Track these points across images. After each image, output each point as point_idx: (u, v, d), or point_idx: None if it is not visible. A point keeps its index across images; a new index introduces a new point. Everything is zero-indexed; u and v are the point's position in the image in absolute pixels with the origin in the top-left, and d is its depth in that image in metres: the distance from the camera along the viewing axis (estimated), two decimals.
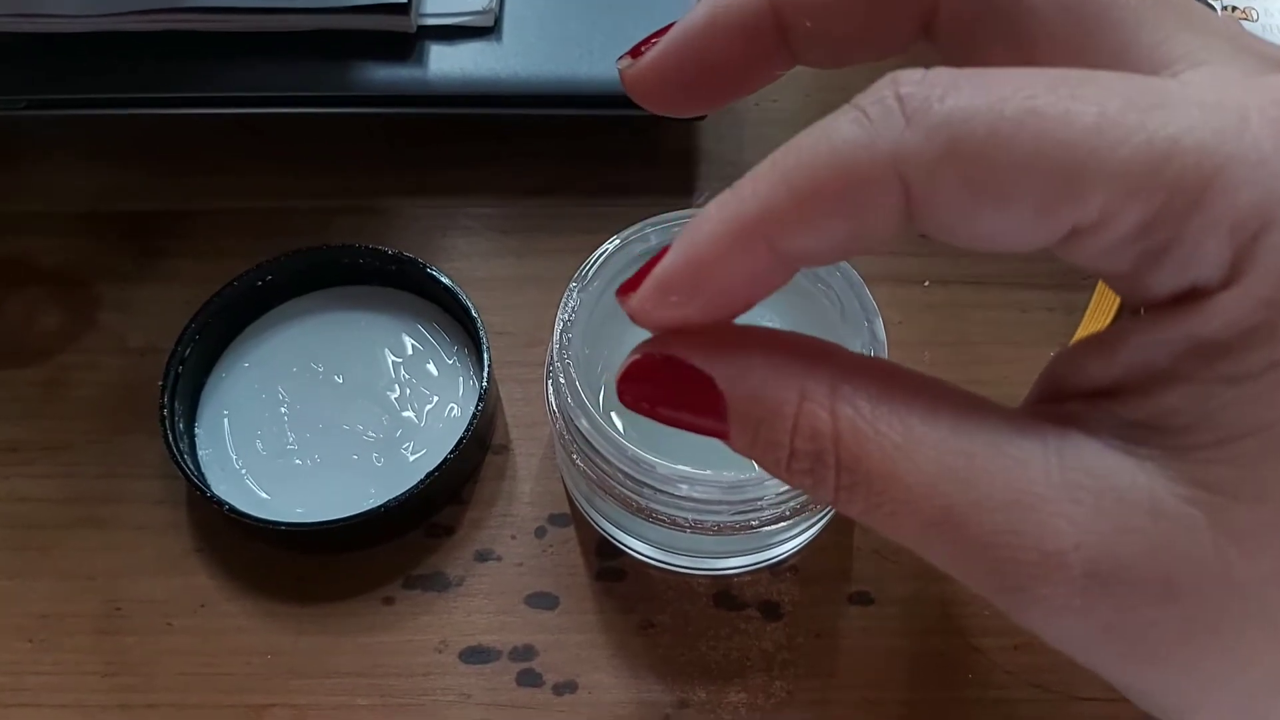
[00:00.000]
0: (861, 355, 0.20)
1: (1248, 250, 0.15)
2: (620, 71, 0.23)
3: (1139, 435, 0.17)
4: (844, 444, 0.18)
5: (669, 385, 0.19)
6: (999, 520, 0.17)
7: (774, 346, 0.19)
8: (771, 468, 0.19)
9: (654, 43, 0.22)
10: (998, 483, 0.17)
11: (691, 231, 0.18)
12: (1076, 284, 0.39)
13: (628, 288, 0.19)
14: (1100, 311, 0.38)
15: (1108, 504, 0.17)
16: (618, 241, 0.32)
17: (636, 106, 0.40)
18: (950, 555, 0.18)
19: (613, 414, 0.33)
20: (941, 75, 0.16)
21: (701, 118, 0.40)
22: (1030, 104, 0.16)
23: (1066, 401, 0.18)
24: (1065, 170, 0.15)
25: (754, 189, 0.17)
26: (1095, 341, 0.18)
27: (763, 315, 0.34)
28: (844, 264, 0.32)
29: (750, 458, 0.19)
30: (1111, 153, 0.15)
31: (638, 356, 0.19)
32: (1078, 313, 0.39)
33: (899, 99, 0.16)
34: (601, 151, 0.43)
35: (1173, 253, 0.16)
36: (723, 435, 0.19)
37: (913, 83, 0.16)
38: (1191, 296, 0.16)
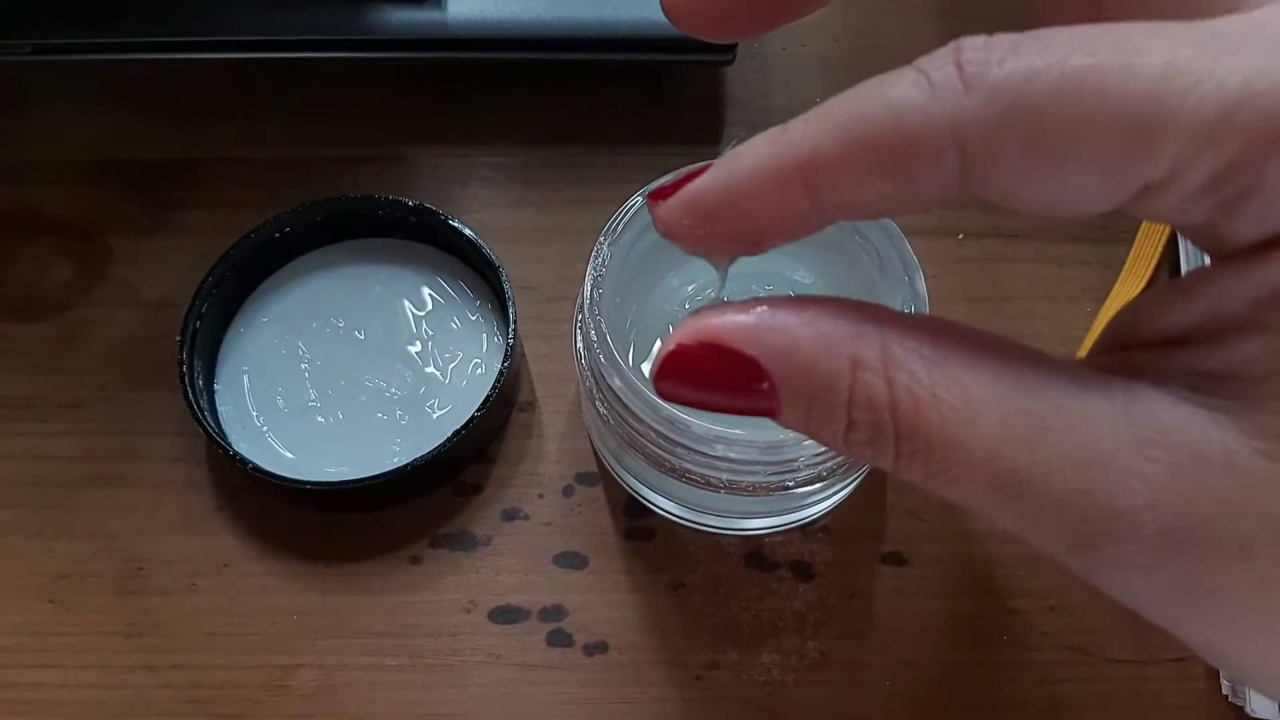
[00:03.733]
0: (910, 314, 0.19)
1: None
2: None
3: (1211, 386, 0.16)
4: (901, 412, 0.17)
5: (710, 373, 0.18)
6: (1067, 480, 0.16)
7: (817, 315, 0.17)
8: (829, 441, 0.18)
9: None
10: (1064, 442, 0.16)
11: (733, 159, 0.17)
12: (1113, 238, 0.38)
13: (659, 195, 0.18)
14: (1140, 265, 0.37)
15: (1181, 460, 0.16)
16: (640, 199, 0.31)
17: (661, 50, 0.39)
18: (1017, 517, 0.17)
19: (644, 367, 0.32)
20: (1002, 40, 0.16)
21: (731, 53, 0.39)
22: (1092, 60, 0.15)
23: (1133, 351, 0.18)
24: (1131, 124, 0.15)
25: (804, 132, 0.17)
26: (1170, 287, 0.18)
27: (798, 269, 0.33)
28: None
29: (804, 434, 0.18)
30: (1180, 102, 0.15)
31: (672, 348, 0.18)
32: (1115, 266, 0.38)
33: (959, 65, 0.16)
34: (625, 98, 0.41)
35: (1251, 201, 0.15)
36: (773, 414, 0.18)
37: (974, 49, 0.16)
38: (1275, 243, 0.16)
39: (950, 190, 0.16)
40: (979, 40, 0.16)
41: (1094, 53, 0.15)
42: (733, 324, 0.18)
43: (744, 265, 0.33)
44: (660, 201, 0.18)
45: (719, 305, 0.18)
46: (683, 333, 0.18)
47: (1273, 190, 0.15)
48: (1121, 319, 0.19)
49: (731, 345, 0.17)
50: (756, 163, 0.17)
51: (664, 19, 0.37)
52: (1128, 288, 0.37)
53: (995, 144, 0.15)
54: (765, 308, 0.17)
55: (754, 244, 0.18)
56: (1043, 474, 0.16)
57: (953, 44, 0.16)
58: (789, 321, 0.17)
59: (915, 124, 0.16)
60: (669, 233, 0.18)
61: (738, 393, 0.18)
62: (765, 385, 0.17)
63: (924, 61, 0.16)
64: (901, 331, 0.17)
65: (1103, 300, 0.37)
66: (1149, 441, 0.16)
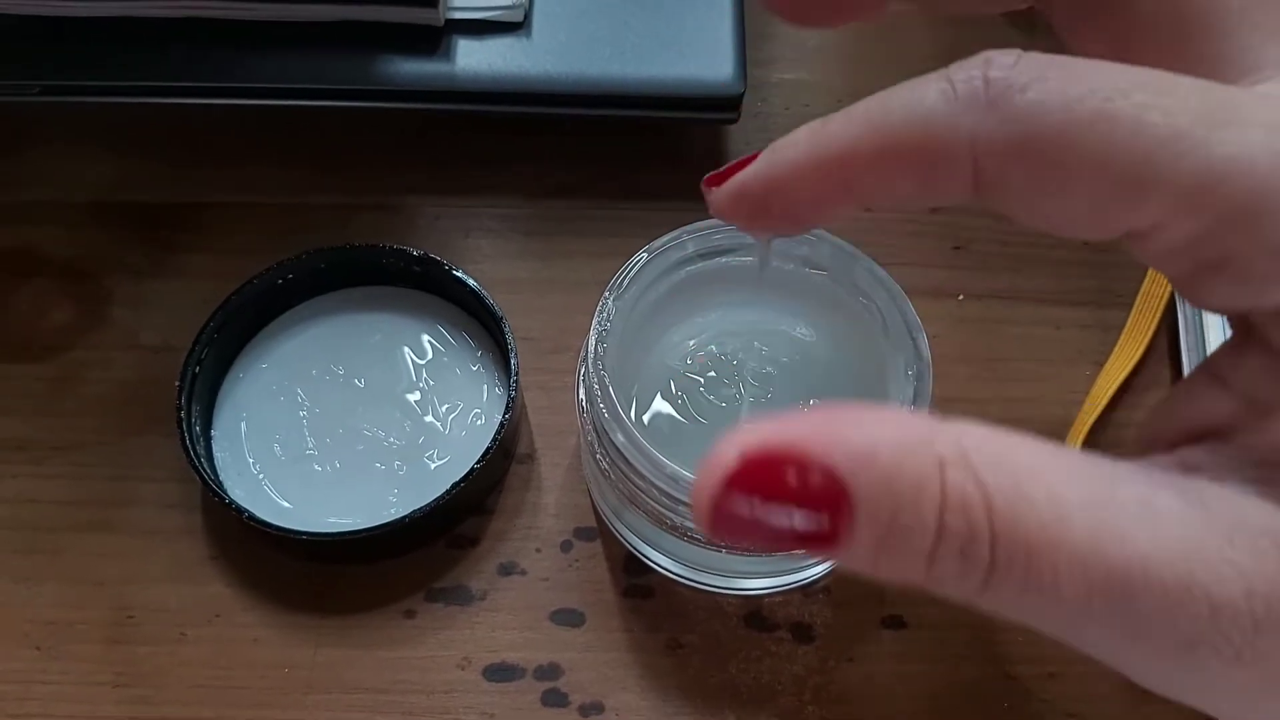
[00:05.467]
0: (960, 418, 0.17)
1: None
2: None
3: (1269, 475, 0.16)
4: (998, 513, 0.15)
5: (779, 493, 0.15)
6: (1168, 575, 0.15)
7: (886, 414, 0.16)
8: (908, 564, 0.16)
9: None
10: (1160, 536, 0.15)
11: (777, 151, 0.19)
12: (1112, 302, 0.39)
13: (714, 180, 0.20)
14: (1138, 331, 0.38)
15: (1265, 545, 0.16)
16: (645, 256, 0.31)
17: (666, 108, 0.40)
18: (1117, 623, 0.16)
19: (645, 419, 0.32)
20: (1031, 64, 0.16)
21: (735, 112, 0.39)
22: (1106, 106, 0.16)
23: (1180, 449, 0.17)
24: (1124, 177, 0.16)
25: (841, 130, 0.18)
26: (1202, 378, 0.18)
27: (798, 326, 0.33)
28: (886, 277, 0.31)
29: (871, 565, 0.16)
30: (1171, 166, 0.16)
31: (732, 464, 0.15)
32: (1113, 330, 0.38)
33: (986, 82, 0.16)
34: (628, 153, 0.42)
35: (1227, 269, 0.16)
36: (836, 542, 0.15)
37: (1004, 67, 0.16)
38: None
39: (964, 193, 0.17)
40: (1010, 57, 0.17)
41: (1110, 98, 0.16)
42: (802, 429, 0.15)
43: (745, 321, 0.33)
44: (713, 187, 0.20)
45: (762, 420, 0.16)
46: (741, 444, 0.16)
47: (1245, 262, 0.16)
48: (1160, 416, 0.19)
49: (805, 453, 0.15)
50: (795, 157, 0.18)
51: (669, 77, 0.38)
52: (1127, 352, 0.37)
53: (1006, 166, 0.16)
54: (827, 413, 0.16)
55: (794, 225, 0.20)
56: (1141, 569, 0.15)
57: (983, 57, 0.17)
58: (862, 422, 0.16)
59: (940, 133, 0.17)
60: (719, 213, 0.20)
61: (807, 515, 0.15)
62: (840, 504, 0.15)
63: (954, 71, 0.17)
64: (966, 431, 0.16)
65: (1101, 364, 0.37)
66: (1232, 531, 0.16)
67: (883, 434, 0.15)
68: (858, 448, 0.15)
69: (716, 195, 0.20)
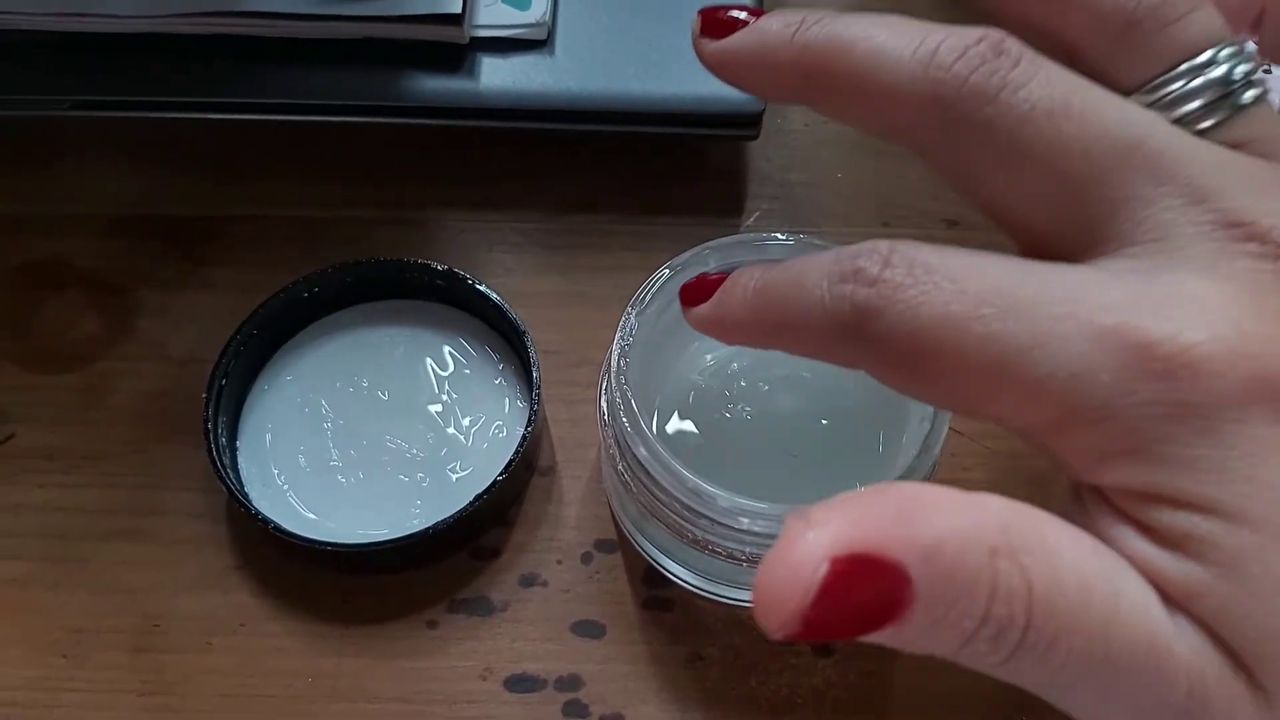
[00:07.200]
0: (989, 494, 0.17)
1: (1097, 472, 0.18)
2: None
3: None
4: (1037, 603, 0.16)
5: (860, 598, 0.15)
6: (1140, 652, 0.16)
7: (943, 499, 0.16)
8: (943, 644, 0.16)
9: None
10: (1150, 618, 0.17)
11: (716, 304, 0.22)
12: None
13: (688, 298, 0.23)
14: None
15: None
16: (668, 272, 0.31)
17: (687, 124, 0.40)
18: (1103, 691, 0.17)
19: (666, 432, 0.32)
20: (890, 280, 0.18)
21: (756, 128, 0.39)
22: (946, 334, 0.18)
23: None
24: (962, 392, 0.18)
25: (748, 300, 0.21)
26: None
27: (800, 368, 0.33)
28: None
29: (905, 643, 0.16)
30: (1001, 384, 0.18)
31: (824, 577, 0.15)
32: None
33: (853, 307, 0.18)
34: (650, 169, 0.42)
35: (1056, 458, 0.19)
36: (882, 628, 0.16)
37: (866, 282, 0.18)
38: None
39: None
40: (874, 268, 0.18)
41: (955, 318, 0.18)
42: (881, 528, 0.16)
43: (744, 355, 0.33)
44: (688, 307, 0.23)
45: (818, 510, 0.16)
46: (827, 550, 0.15)
47: (1062, 460, 0.18)
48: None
49: (884, 556, 0.15)
50: (715, 316, 0.22)
51: (691, 94, 0.39)
52: None
53: (877, 372, 0.19)
54: (896, 505, 0.16)
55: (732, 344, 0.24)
56: (1129, 651, 0.16)
57: (855, 261, 0.19)
58: (928, 513, 0.16)
59: (814, 338, 0.20)
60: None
61: (871, 608, 0.15)
62: (902, 598, 0.15)
63: (831, 283, 0.19)
64: (1009, 512, 0.17)
65: None
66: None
67: (945, 526, 0.16)
68: (927, 545, 0.15)
69: (687, 316, 0.23)
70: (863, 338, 0.18)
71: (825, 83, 0.20)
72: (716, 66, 0.22)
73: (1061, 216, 0.19)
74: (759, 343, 0.22)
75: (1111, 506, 0.18)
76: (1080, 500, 0.19)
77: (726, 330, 0.22)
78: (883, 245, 0.19)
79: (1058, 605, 0.16)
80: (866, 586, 0.15)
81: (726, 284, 0.22)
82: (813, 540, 0.15)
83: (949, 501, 0.16)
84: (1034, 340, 0.17)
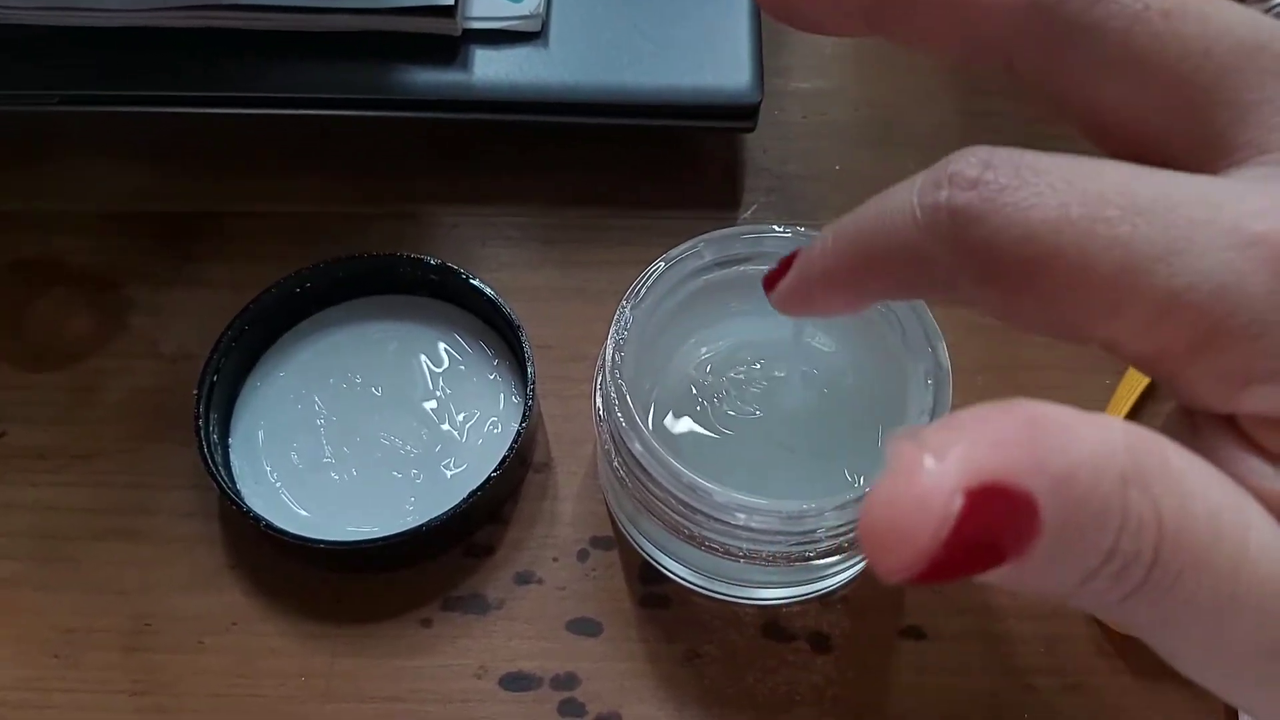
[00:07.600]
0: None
1: (1238, 398, 0.16)
2: None
3: None
4: (1166, 537, 0.14)
5: (986, 532, 0.14)
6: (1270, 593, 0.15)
7: (1077, 423, 0.14)
8: (1062, 581, 0.15)
9: None
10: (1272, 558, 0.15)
11: (802, 266, 0.21)
12: None
13: (768, 283, 0.23)
14: None
15: None
16: (662, 265, 0.31)
17: (684, 116, 0.40)
18: (1218, 634, 0.15)
19: (662, 427, 0.32)
20: (994, 182, 0.16)
21: (753, 120, 0.39)
22: (1065, 239, 0.16)
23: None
24: (1079, 308, 0.16)
25: (828, 248, 0.20)
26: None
27: (817, 335, 0.33)
28: None
29: (1019, 582, 0.15)
30: (1127, 296, 0.16)
31: (960, 508, 0.13)
32: None
33: (950, 213, 0.17)
34: (646, 162, 0.42)
35: (1179, 386, 0.17)
36: (1002, 563, 0.14)
37: (965, 185, 0.17)
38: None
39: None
40: (973, 170, 0.16)
41: (1073, 223, 0.16)
42: (1012, 453, 0.14)
43: (763, 330, 0.33)
44: (769, 290, 0.23)
45: (934, 432, 0.14)
46: (959, 479, 0.13)
47: (1190, 385, 0.17)
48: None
49: (1016, 483, 0.14)
50: (814, 274, 0.21)
51: (686, 86, 0.38)
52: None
53: (977, 290, 0.17)
54: (1028, 427, 0.14)
55: (832, 315, 0.23)
56: (1256, 590, 0.15)
57: (947, 171, 0.17)
58: (1063, 439, 0.14)
59: (918, 261, 0.18)
60: (781, 312, 0.23)
61: (1002, 548, 0.14)
62: (1030, 528, 0.14)
63: (920, 195, 0.17)
64: (1135, 436, 0.15)
65: (1121, 373, 0.37)
66: None
67: (1080, 453, 0.14)
68: (1060, 472, 0.14)
69: (773, 299, 0.23)
70: (963, 248, 0.16)
71: None
72: None
73: (1181, 128, 0.17)
74: (849, 297, 0.20)
75: (1240, 437, 0.16)
76: (1195, 430, 0.17)
77: (811, 294, 0.21)
78: (980, 149, 0.17)
79: (1186, 539, 0.14)
80: (998, 520, 0.14)
81: (803, 248, 0.21)
82: (939, 470, 0.13)
83: (1077, 422, 0.14)
84: (1170, 246, 0.15)
